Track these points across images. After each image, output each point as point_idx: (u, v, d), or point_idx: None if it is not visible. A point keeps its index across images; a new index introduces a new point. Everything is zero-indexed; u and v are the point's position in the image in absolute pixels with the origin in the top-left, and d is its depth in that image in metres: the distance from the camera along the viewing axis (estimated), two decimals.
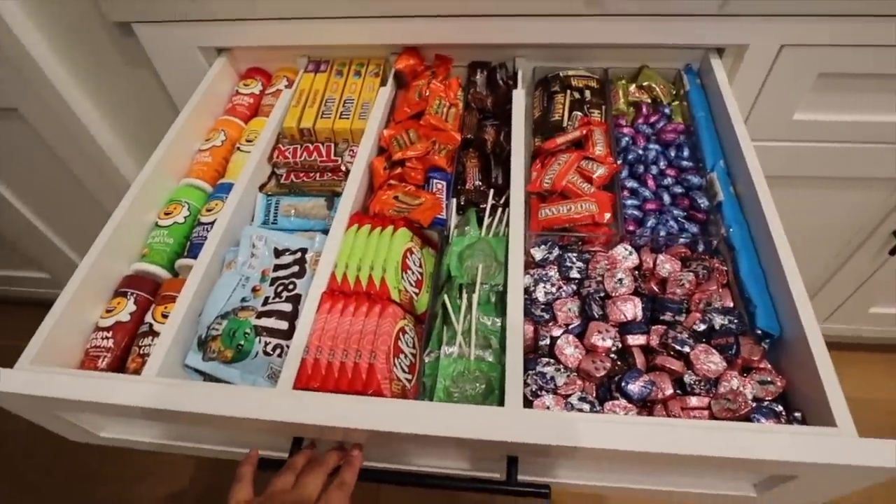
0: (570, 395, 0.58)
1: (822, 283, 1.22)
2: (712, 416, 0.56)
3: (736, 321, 0.61)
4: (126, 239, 0.72)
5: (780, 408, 0.56)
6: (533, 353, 0.62)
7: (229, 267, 0.68)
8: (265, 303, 0.64)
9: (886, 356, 1.47)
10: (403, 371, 0.60)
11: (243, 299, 0.65)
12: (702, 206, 0.71)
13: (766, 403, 0.57)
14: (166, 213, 0.75)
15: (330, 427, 0.50)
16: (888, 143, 0.91)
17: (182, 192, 0.77)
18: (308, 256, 0.68)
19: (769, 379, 0.58)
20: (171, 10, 0.82)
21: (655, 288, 0.65)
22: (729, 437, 0.48)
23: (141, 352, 0.64)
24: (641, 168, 0.76)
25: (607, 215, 0.69)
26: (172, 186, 0.79)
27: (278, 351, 0.61)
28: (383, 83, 0.85)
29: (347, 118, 0.81)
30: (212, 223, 0.71)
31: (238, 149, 0.82)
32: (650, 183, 0.74)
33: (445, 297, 0.64)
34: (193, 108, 0.81)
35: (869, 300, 1.25)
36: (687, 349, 0.59)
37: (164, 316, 0.64)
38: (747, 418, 0.55)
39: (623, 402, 0.57)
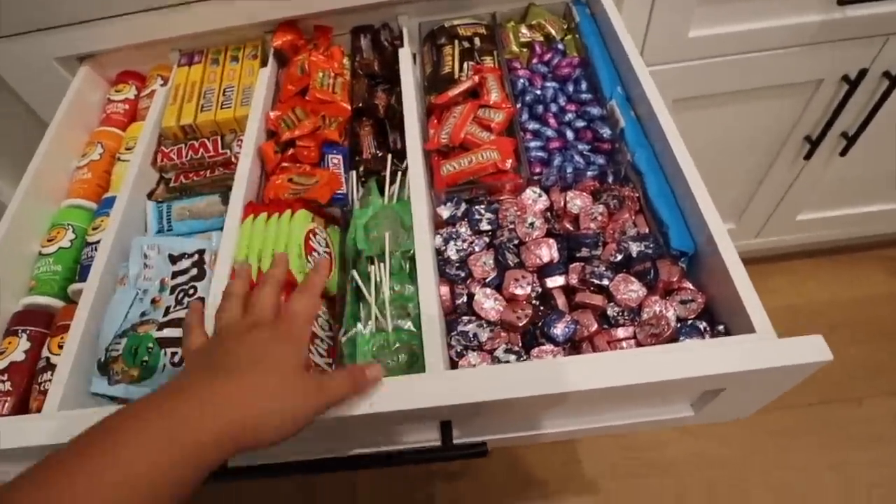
0: (495, 350, 0.56)
1: (748, 198, 1.24)
2: (639, 345, 0.55)
3: (652, 245, 0.60)
4: (7, 275, 0.66)
5: (704, 324, 0.55)
6: (453, 314, 0.60)
7: (122, 283, 0.63)
8: (166, 313, 0.60)
9: (817, 260, 1.51)
10: (321, 356, 0.57)
11: (143, 314, 0.61)
12: (605, 135, 0.69)
13: (689, 322, 0.56)
14: (49, 240, 0.69)
15: None
16: (784, 48, 0.91)
17: (64, 215, 0.72)
18: (207, 257, 0.64)
19: (690, 297, 0.57)
20: (15, 20, 0.75)
21: (569, 226, 0.63)
22: (651, 362, 0.47)
23: (41, 388, 0.60)
24: (541, 108, 0.74)
25: (510, 161, 0.66)
26: (53, 211, 0.73)
27: None
28: (264, 64, 0.80)
29: (229, 107, 0.76)
30: (99, 242, 0.66)
31: (118, 159, 0.76)
32: (551, 121, 0.72)
33: (355, 272, 0.61)
34: (60, 125, 0.75)
35: (794, 209, 1.27)
36: (606, 282, 0.57)
37: (61, 347, 0.60)
38: (674, 340, 0.54)
39: (549, 346, 0.55)
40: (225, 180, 0.72)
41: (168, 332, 0.57)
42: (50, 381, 0.58)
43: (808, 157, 1.10)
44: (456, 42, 0.78)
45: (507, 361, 0.55)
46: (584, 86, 0.75)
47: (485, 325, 0.57)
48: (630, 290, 0.57)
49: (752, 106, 1.03)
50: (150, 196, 0.73)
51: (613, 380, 0.46)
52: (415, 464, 0.54)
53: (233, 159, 0.74)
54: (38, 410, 0.58)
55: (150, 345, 0.57)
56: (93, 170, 0.75)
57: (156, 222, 0.70)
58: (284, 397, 0.37)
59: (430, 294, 0.56)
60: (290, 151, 0.71)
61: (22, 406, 0.60)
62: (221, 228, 0.68)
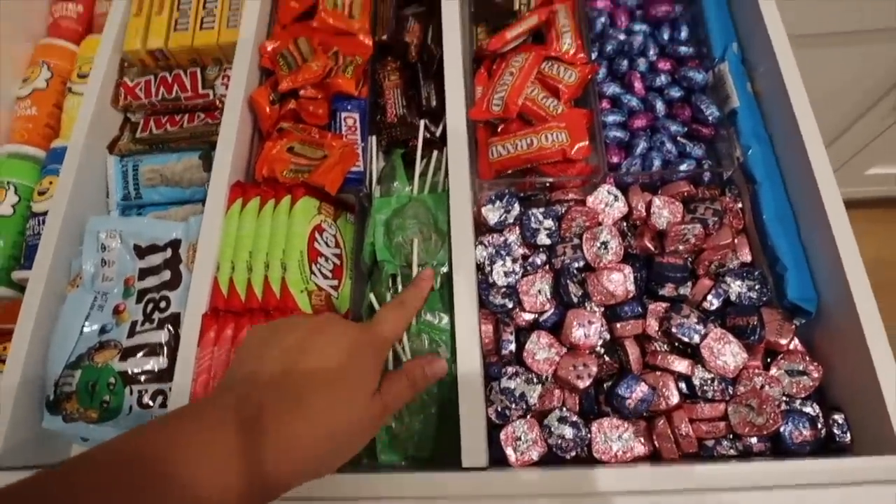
0: (547, 415, 0.44)
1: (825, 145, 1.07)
2: (730, 429, 0.43)
3: (757, 287, 0.46)
4: None
5: (816, 409, 0.43)
6: (496, 357, 0.48)
7: (75, 284, 0.50)
8: (132, 332, 0.47)
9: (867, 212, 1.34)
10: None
11: (103, 329, 0.48)
12: (709, 117, 0.51)
13: (797, 403, 0.44)
14: None
15: None
16: None
17: (4, 169, 0.56)
18: (183, 251, 0.50)
19: (801, 368, 0.44)
20: None
21: (650, 245, 0.49)
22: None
23: None
24: (625, 63, 0.55)
25: (582, 145, 0.50)
26: None
27: (160, 399, 0.46)
28: None
29: (212, 27, 0.58)
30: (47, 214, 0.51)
31: (70, 90, 0.59)
32: (637, 85, 0.54)
33: (371, 295, 0.47)
34: None
35: (868, 162, 1.11)
36: (696, 339, 0.44)
37: (3, 361, 0.48)
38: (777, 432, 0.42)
39: (616, 419, 0.44)
40: (207, 134, 0.56)
41: (132, 365, 0.45)
42: None
43: None
44: None
45: (563, 437, 0.43)
46: (684, 33, 0.56)
47: (535, 381, 0.45)
48: (726, 353, 0.44)
49: (859, 50, 0.83)
50: (111, 148, 0.57)
51: None
52: None
53: (217, 103, 0.57)
54: None
55: (112, 380, 0.45)
56: (38, 102, 0.58)
57: (120, 186, 0.55)
58: (353, 434, 0.33)
59: (471, 339, 0.43)
60: (291, 104, 0.54)
61: None
62: (202, 202, 0.54)
